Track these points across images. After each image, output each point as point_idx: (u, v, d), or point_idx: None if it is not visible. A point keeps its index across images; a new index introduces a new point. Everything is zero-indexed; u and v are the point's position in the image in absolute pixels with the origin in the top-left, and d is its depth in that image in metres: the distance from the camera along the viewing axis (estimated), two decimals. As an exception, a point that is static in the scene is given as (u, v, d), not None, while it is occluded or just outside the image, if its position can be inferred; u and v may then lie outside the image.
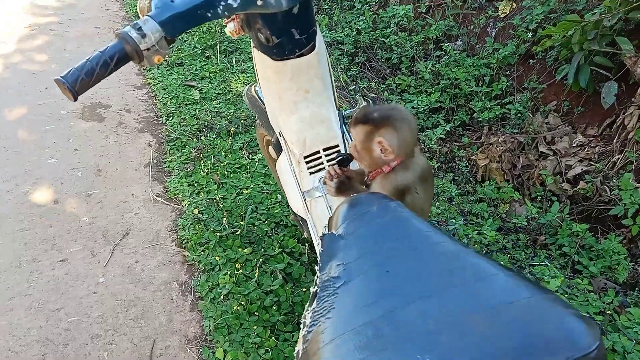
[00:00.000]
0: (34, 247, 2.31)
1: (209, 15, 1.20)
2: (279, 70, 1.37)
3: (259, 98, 1.90)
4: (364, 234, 0.94)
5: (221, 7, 1.20)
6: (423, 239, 0.87)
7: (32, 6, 4.87)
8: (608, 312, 1.90)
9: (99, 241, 2.36)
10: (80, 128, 3.17)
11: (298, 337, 1.08)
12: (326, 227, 1.46)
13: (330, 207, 1.46)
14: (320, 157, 1.49)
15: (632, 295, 2.06)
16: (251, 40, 1.41)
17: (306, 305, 0.84)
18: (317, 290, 0.84)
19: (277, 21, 1.28)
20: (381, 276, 0.81)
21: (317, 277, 0.88)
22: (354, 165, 1.39)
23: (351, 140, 1.24)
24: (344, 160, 1.32)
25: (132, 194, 2.65)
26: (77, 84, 1.11)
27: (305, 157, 1.48)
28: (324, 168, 1.49)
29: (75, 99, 1.13)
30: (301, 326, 0.79)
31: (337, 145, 1.50)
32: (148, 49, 1.15)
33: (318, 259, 0.94)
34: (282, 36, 1.30)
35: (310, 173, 1.49)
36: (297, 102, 1.44)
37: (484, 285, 0.72)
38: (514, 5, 3.80)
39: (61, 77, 1.11)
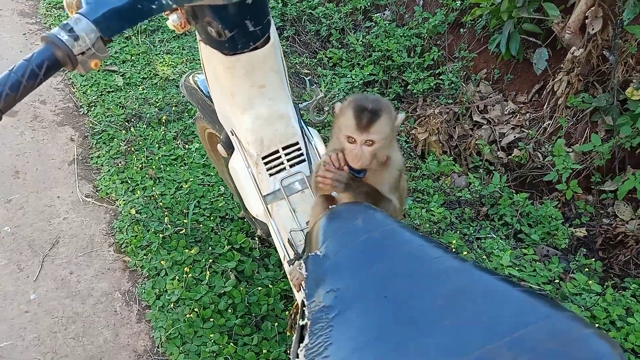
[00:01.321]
0: (-50, 266, 2.08)
1: (153, 8, 1.05)
2: (232, 65, 1.25)
3: (199, 88, 1.77)
4: (352, 254, 0.87)
5: None
6: (419, 255, 0.82)
7: None
8: (556, 280, 1.97)
9: (26, 253, 2.15)
10: (-11, 125, 2.87)
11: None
12: (291, 234, 1.39)
13: (294, 210, 1.38)
14: (280, 157, 1.40)
15: (574, 260, 2.15)
16: (197, 33, 1.28)
17: (293, 340, 0.77)
18: (307, 323, 0.77)
19: (230, 13, 1.15)
20: (380, 303, 0.75)
21: (306, 307, 0.81)
22: None
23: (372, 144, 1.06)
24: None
25: (58, 197, 2.43)
26: (1, 101, 0.95)
27: (263, 158, 1.38)
28: (284, 168, 1.41)
29: (0, 119, 0.97)
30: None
31: (297, 143, 1.41)
32: (83, 53, 1.00)
33: (303, 284, 0.86)
34: (234, 29, 1.18)
35: (270, 175, 1.40)
36: (252, 99, 1.33)
37: (497, 307, 0.67)
38: (441, -28, 3.79)
39: None
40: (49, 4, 4.12)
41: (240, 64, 1.27)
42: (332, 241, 0.94)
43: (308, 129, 1.49)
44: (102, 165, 2.60)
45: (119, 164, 2.57)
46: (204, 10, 1.16)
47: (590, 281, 1.98)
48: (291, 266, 1.33)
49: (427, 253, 0.86)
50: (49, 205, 2.38)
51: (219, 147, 1.56)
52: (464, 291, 0.74)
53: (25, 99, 3.07)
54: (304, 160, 1.43)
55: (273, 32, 1.31)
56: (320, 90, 1.53)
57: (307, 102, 1.52)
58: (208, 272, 1.95)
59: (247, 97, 1.35)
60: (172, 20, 1.26)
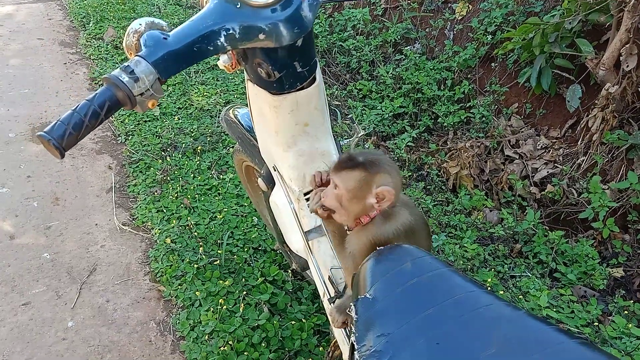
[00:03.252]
0: (-9, 291, 2.14)
1: (209, 50, 1.11)
2: (278, 104, 1.29)
3: (240, 122, 1.81)
4: (402, 298, 0.87)
5: (220, 41, 1.11)
6: (470, 302, 0.82)
7: (-36, 16, 4.54)
8: (595, 322, 1.93)
9: (64, 280, 2.20)
10: (31, 152, 2.96)
11: None
12: (331, 271, 1.40)
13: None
14: None
15: (612, 302, 2.10)
16: (246, 73, 1.32)
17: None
18: None
19: (280, 55, 1.19)
20: (432, 350, 0.75)
21: (356, 350, 0.81)
22: None
23: (337, 189, 1.07)
24: None
25: (96, 224, 2.49)
26: (65, 139, 0.99)
27: (305, 194, 1.40)
28: None
29: (63, 156, 1.02)
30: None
31: None
32: (142, 94, 1.04)
33: (352, 328, 0.87)
34: (283, 70, 1.22)
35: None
36: (296, 136, 1.36)
37: (551, 358, 0.67)
38: (471, 7, 3.83)
39: (45, 132, 0.99)
40: (89, 34, 4.27)
41: (287, 103, 1.30)
42: (380, 284, 0.95)
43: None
44: (138, 194, 2.66)
45: (155, 193, 2.63)
46: (255, 52, 1.20)
47: (630, 324, 1.93)
48: (332, 304, 1.34)
49: (479, 299, 0.86)
50: (87, 233, 2.43)
51: (260, 181, 1.59)
52: (518, 340, 0.74)
53: (66, 127, 3.18)
54: None
55: (318, 72, 1.34)
56: (361, 128, 1.56)
57: (348, 140, 1.55)
58: (242, 304, 1.96)
59: (290, 134, 1.38)
60: (223, 61, 1.31)
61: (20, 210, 2.55)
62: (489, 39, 3.50)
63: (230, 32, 1.13)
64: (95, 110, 1.05)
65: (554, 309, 1.97)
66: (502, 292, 2.03)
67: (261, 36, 1.14)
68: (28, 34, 4.34)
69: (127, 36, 1.15)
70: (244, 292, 2.03)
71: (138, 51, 1.11)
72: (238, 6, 1.13)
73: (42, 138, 1.00)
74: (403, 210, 1.11)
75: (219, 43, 1.12)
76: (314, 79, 1.32)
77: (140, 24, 1.13)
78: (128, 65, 1.04)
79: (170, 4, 4.85)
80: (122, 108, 1.07)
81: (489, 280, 2.06)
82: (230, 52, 1.24)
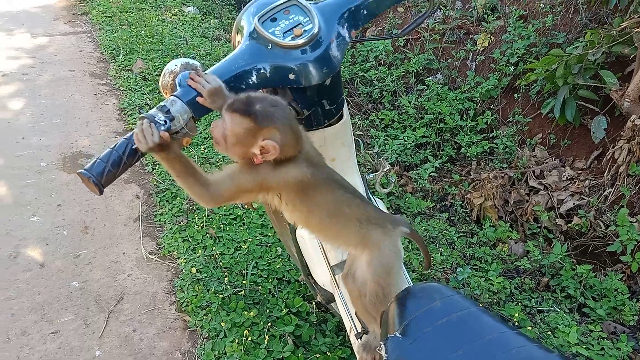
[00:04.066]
0: (22, 318, 2.18)
1: (242, 88, 1.15)
2: None
3: None
4: (432, 337, 0.88)
5: (252, 80, 1.15)
6: (502, 343, 0.82)
7: (1, 49, 4.72)
8: (625, 361, 1.89)
9: (92, 308, 2.24)
10: (62, 181, 3.04)
11: None
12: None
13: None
14: None
15: (643, 338, 2.06)
16: None
17: None
18: None
19: (309, 94, 1.23)
20: None
21: None
22: None
23: (225, 128, 1.06)
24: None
25: (123, 253, 2.54)
26: (104, 176, 1.03)
27: None
28: None
29: (101, 193, 1.06)
30: None
31: None
32: (177, 132, 1.08)
33: None
34: (312, 108, 1.26)
35: None
36: None
37: None
38: (492, 38, 3.86)
39: (85, 170, 1.03)
40: (119, 66, 4.41)
41: (315, 139, 1.33)
42: (410, 323, 0.95)
43: (376, 201, 1.53)
44: (165, 223, 2.71)
45: (181, 222, 2.67)
46: (286, 91, 1.24)
47: (663, 362, 1.88)
48: (359, 340, 1.34)
49: (510, 341, 0.87)
50: (115, 262, 2.48)
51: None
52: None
53: (96, 157, 3.26)
54: None
55: (345, 109, 1.38)
56: (387, 162, 1.58)
57: (374, 174, 1.57)
58: (267, 336, 1.96)
59: None
60: None
61: (51, 239, 2.61)
62: (511, 69, 3.51)
63: (262, 71, 1.17)
64: (132, 148, 1.09)
65: (584, 346, 1.93)
66: (530, 328, 2.00)
67: (291, 76, 1.18)
68: (60, 65, 4.49)
69: (163, 76, 1.20)
70: (269, 324, 2.03)
71: (173, 91, 1.16)
72: (269, 47, 1.18)
73: (82, 175, 1.04)
74: (299, 166, 1.11)
75: (251, 82, 1.17)
76: (342, 116, 1.35)
77: (175, 65, 1.18)
78: (164, 105, 1.08)
79: (197, 36, 4.99)
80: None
81: (516, 315, 2.04)
82: (262, 90, 1.28)
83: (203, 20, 5.56)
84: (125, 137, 1.10)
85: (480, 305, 1.01)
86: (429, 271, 2.34)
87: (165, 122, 1.06)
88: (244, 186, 1.11)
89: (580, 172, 3.08)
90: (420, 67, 4.12)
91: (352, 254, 1.28)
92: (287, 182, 1.11)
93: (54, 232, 2.65)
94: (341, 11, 1.22)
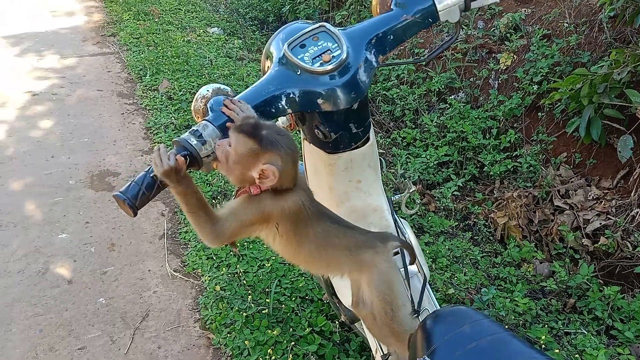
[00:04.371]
0: (50, 334, 2.22)
1: (272, 112, 1.18)
2: (333, 163, 1.34)
3: None
4: None
5: (282, 104, 1.18)
6: None
7: (32, 70, 4.87)
8: (657, 387, 1.84)
9: (118, 325, 2.27)
10: (90, 198, 3.11)
11: None
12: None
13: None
14: None
15: (675, 363, 2.01)
16: (302, 133, 1.39)
17: None
18: None
19: (336, 118, 1.26)
20: None
21: None
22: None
23: (229, 147, 1.08)
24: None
25: (149, 270, 2.57)
26: (138, 199, 1.07)
27: None
28: None
29: (135, 215, 1.09)
30: None
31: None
32: (208, 156, 1.11)
33: None
34: (340, 131, 1.28)
35: None
36: (349, 192, 1.41)
37: None
38: (515, 57, 3.86)
39: (120, 192, 1.06)
40: (145, 86, 4.51)
41: (341, 161, 1.36)
42: (439, 347, 0.95)
43: (400, 221, 1.54)
44: (189, 241, 2.74)
45: (205, 240, 2.70)
46: (314, 114, 1.27)
47: (697, 389, 1.83)
48: (384, 362, 1.34)
49: (540, 367, 0.86)
50: (140, 279, 2.52)
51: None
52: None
53: (122, 175, 3.33)
54: (397, 253, 1.46)
55: (372, 132, 1.39)
56: (412, 183, 1.59)
57: (399, 195, 1.58)
58: (290, 355, 1.97)
59: (344, 191, 1.42)
60: (282, 122, 1.39)
61: (79, 256, 2.66)
62: (534, 88, 3.50)
63: (291, 96, 1.20)
64: None
65: (613, 370, 1.89)
66: (557, 351, 1.97)
67: (319, 101, 1.20)
68: (88, 86, 4.61)
69: (195, 101, 1.24)
70: (292, 343, 2.04)
71: (205, 115, 1.19)
72: (298, 73, 1.20)
73: (117, 198, 1.08)
74: (298, 194, 1.14)
75: (280, 106, 1.20)
76: (368, 138, 1.37)
77: (207, 90, 1.22)
78: (197, 130, 1.12)
79: (221, 57, 5.08)
80: (189, 169, 1.14)
81: (543, 337, 2.01)
82: (289, 114, 1.31)
83: (227, 40, 5.67)
84: None
85: (507, 328, 1.00)
86: (453, 291, 2.33)
87: (185, 147, 1.09)
88: (246, 220, 1.13)
89: (606, 191, 3.04)
90: (443, 86, 4.13)
91: (353, 281, 1.29)
92: (285, 211, 1.14)
93: (82, 249, 2.71)
94: (369, 37, 1.25)
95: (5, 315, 2.30)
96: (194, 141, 1.11)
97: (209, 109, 1.18)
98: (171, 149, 1.11)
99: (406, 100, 4.15)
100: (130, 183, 1.09)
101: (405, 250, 1.38)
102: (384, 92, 4.35)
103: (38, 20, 6.20)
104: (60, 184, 3.24)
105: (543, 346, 2.00)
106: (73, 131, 3.86)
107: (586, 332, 2.13)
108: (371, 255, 1.21)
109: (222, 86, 1.23)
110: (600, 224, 2.86)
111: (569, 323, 2.21)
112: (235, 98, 1.18)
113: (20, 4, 6.75)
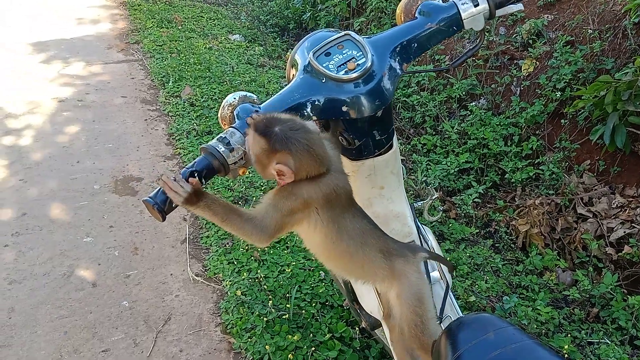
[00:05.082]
0: (74, 337, 2.26)
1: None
2: (356, 169, 1.36)
3: None
4: None
5: (307, 111, 1.20)
6: None
7: (58, 76, 4.98)
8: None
9: (141, 328, 2.30)
10: (114, 203, 3.17)
11: None
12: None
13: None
14: None
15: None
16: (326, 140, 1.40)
17: None
18: None
19: (360, 125, 1.27)
20: None
21: None
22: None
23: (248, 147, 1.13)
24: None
25: (171, 274, 2.61)
26: (167, 204, 1.09)
27: None
28: None
29: (164, 219, 1.11)
30: None
31: (413, 242, 1.46)
32: (235, 162, 1.14)
33: None
34: (363, 138, 1.29)
35: None
36: (371, 199, 1.42)
37: None
38: (538, 64, 3.83)
39: (149, 197, 1.09)
40: (168, 92, 4.58)
41: (365, 167, 1.37)
42: (463, 354, 0.95)
43: (423, 228, 1.54)
44: (210, 245, 2.77)
45: (226, 245, 2.73)
46: (338, 122, 1.28)
47: None
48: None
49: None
50: (162, 282, 2.55)
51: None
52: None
53: (145, 180, 3.39)
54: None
55: (395, 138, 1.40)
56: (435, 190, 1.59)
57: (422, 202, 1.58)
58: (311, 361, 1.98)
59: (366, 197, 1.44)
60: None
61: (103, 259, 2.71)
62: (557, 95, 3.47)
63: (316, 103, 1.21)
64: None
65: (639, 382, 1.86)
66: (580, 361, 1.95)
67: (344, 108, 1.22)
68: (112, 92, 4.70)
69: (222, 109, 1.26)
70: (312, 348, 2.05)
71: (232, 123, 1.22)
72: (323, 80, 1.22)
73: (146, 203, 1.10)
74: (331, 177, 1.15)
75: (305, 113, 1.21)
76: (391, 145, 1.38)
77: (234, 98, 1.24)
78: (224, 137, 1.14)
79: (242, 63, 5.13)
80: (216, 175, 1.16)
81: (566, 346, 1.98)
82: (314, 121, 1.32)
83: (248, 47, 5.73)
84: (186, 167, 1.15)
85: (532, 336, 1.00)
86: (474, 299, 2.31)
87: (213, 154, 1.11)
88: (287, 209, 1.13)
89: (631, 199, 2.99)
90: (463, 93, 4.11)
91: (382, 293, 1.29)
92: (320, 193, 1.14)
93: (106, 253, 2.75)
94: (393, 45, 1.26)
95: (30, 317, 2.35)
96: (221, 148, 1.13)
97: (235, 117, 1.20)
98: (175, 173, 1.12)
99: (426, 107, 4.14)
100: (159, 188, 1.11)
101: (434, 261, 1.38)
102: (404, 98, 4.34)
103: (64, 28, 6.34)
104: (85, 188, 3.31)
105: (566, 356, 1.98)
106: (98, 137, 3.93)
107: (609, 342, 2.10)
108: (402, 264, 1.20)
109: (248, 94, 1.25)
110: (625, 232, 2.82)
111: (592, 333, 2.18)
112: (262, 105, 1.20)
113: (47, 12, 6.91)
